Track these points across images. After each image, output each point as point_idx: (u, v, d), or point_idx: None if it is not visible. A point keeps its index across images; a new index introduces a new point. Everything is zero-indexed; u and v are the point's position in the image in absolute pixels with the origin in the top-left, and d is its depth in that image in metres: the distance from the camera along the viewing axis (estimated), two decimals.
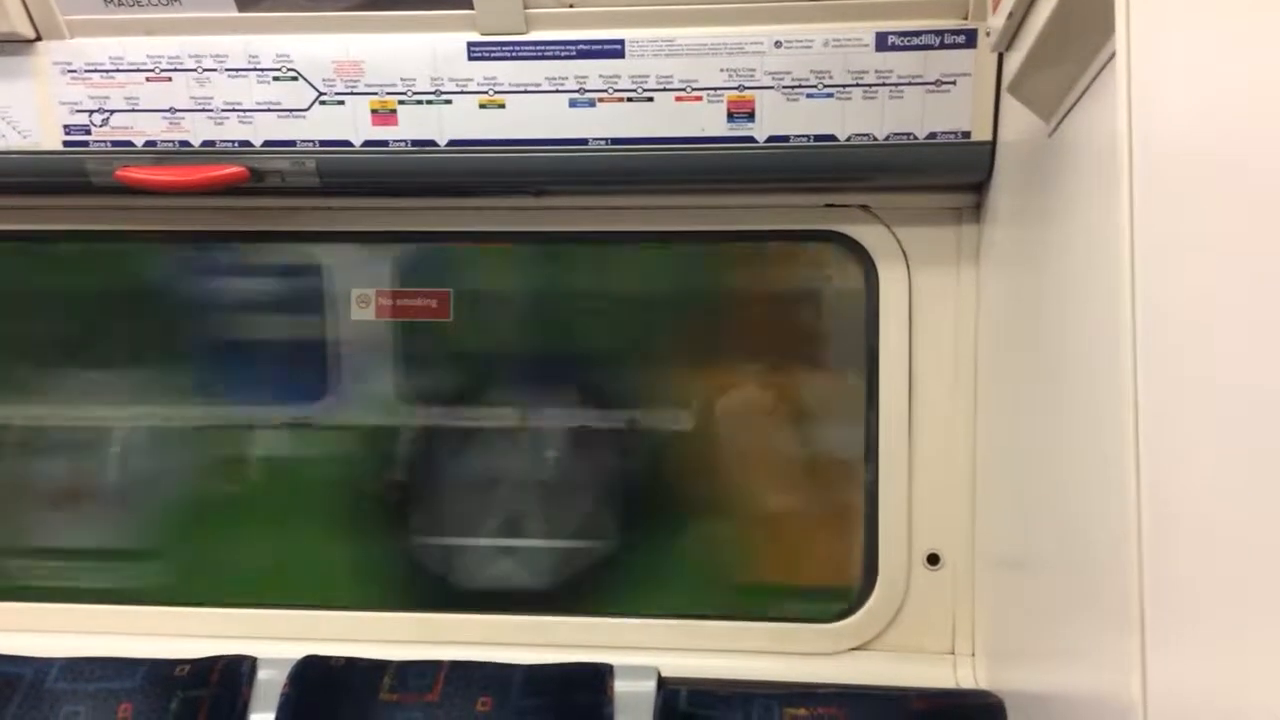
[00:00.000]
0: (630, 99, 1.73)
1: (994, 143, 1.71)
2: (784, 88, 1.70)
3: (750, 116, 1.72)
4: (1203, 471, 0.80)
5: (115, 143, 1.83)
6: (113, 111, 1.81)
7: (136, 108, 1.81)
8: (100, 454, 2.26)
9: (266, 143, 1.80)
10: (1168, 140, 0.89)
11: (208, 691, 1.82)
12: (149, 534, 2.24)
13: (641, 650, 1.93)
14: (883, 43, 1.68)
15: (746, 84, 1.71)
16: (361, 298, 2.10)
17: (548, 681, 1.81)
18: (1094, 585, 1.12)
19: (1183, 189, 0.85)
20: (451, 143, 1.78)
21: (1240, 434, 0.74)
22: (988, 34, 1.58)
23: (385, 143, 1.79)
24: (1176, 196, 0.87)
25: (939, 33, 1.68)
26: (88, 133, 1.83)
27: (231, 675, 1.85)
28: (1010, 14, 1.33)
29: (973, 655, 1.91)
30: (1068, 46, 1.20)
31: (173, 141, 1.82)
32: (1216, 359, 0.78)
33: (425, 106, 1.76)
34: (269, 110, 1.79)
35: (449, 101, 1.76)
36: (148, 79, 1.80)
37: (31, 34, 1.79)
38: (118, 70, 1.80)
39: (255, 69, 1.77)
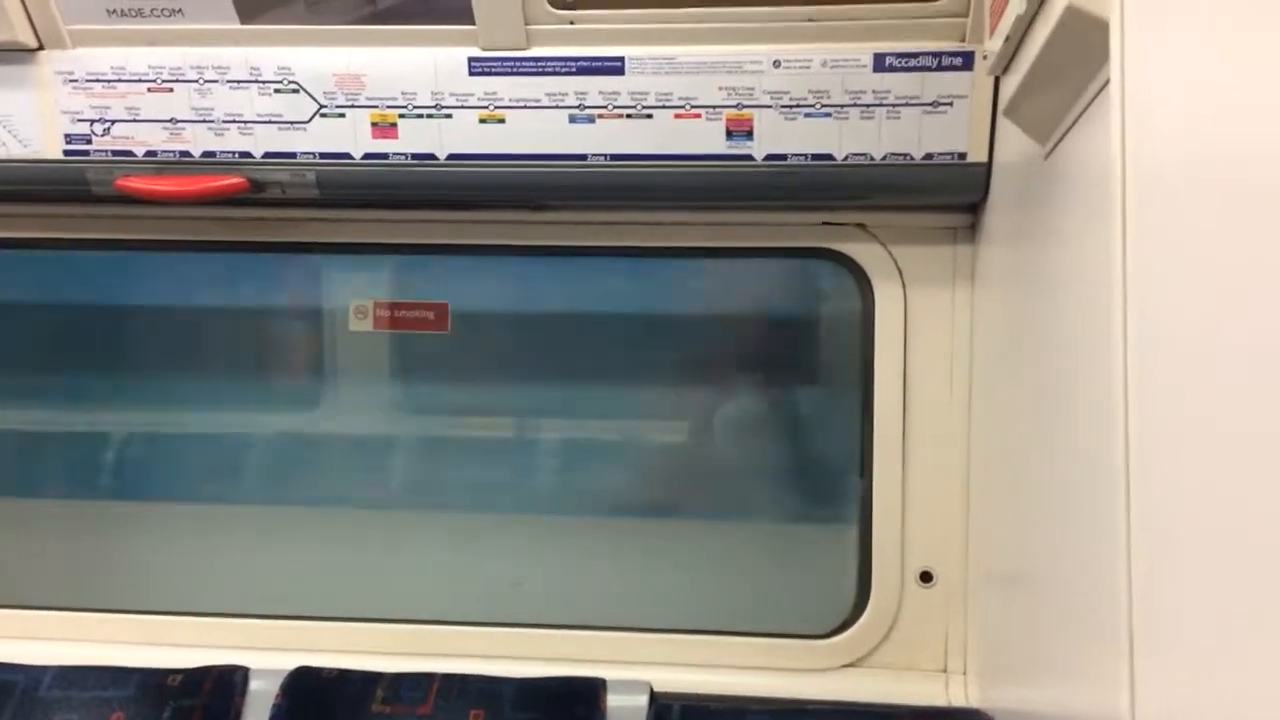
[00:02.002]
0: (629, 116, 1.74)
1: (990, 164, 1.72)
2: (782, 107, 1.72)
3: (748, 135, 1.73)
4: (1193, 491, 0.81)
5: (116, 152, 1.83)
6: (114, 121, 1.82)
7: (138, 118, 1.82)
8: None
9: (267, 154, 1.81)
10: (1161, 166, 0.90)
11: (200, 701, 1.82)
12: None
13: (634, 664, 1.93)
14: (880, 64, 1.69)
15: (745, 103, 1.72)
16: (359, 309, 2.11)
17: (540, 694, 1.81)
18: (1084, 604, 1.13)
19: (1175, 214, 0.86)
20: (451, 157, 1.79)
21: (1231, 454, 0.75)
22: (985, 57, 1.60)
23: (385, 156, 1.79)
24: (1169, 221, 0.88)
25: (936, 55, 1.69)
26: (88, 142, 1.83)
27: (224, 685, 1.84)
28: (1007, 38, 1.34)
29: (965, 673, 1.91)
30: (1063, 71, 1.21)
31: (173, 152, 1.82)
32: (1208, 379, 0.79)
33: (425, 120, 1.77)
34: (269, 122, 1.80)
35: (449, 116, 1.77)
36: (149, 89, 1.80)
37: (34, 43, 1.80)
38: (119, 80, 1.80)
39: (256, 81, 1.78)
